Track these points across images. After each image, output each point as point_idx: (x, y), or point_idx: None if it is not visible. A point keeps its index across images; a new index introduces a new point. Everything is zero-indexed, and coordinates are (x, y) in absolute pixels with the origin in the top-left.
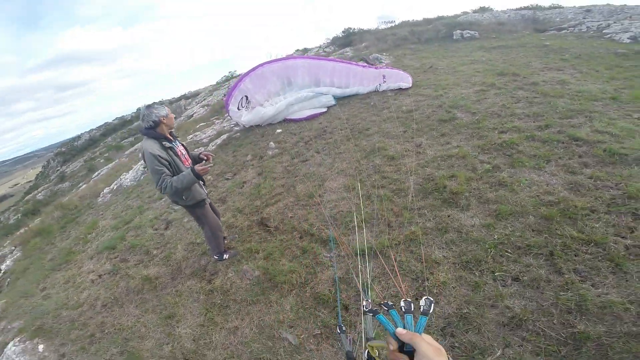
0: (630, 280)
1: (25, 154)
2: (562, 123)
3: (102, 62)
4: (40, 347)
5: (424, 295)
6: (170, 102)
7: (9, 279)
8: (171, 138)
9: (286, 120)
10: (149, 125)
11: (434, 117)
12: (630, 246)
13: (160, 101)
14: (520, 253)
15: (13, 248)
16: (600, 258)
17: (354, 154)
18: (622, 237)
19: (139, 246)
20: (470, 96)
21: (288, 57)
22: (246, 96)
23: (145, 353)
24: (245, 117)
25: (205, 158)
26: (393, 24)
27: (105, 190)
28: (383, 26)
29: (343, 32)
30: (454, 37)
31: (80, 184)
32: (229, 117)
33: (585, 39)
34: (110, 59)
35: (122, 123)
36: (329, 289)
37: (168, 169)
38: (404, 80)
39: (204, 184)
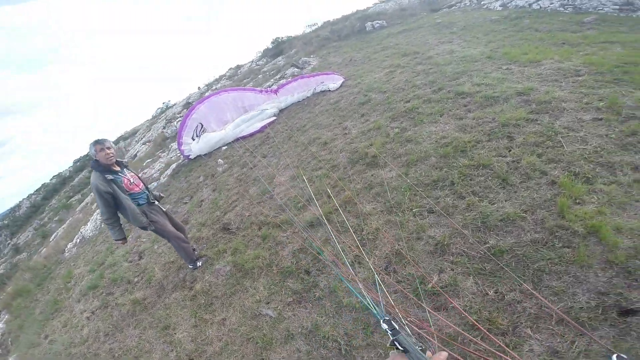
0: (517, 191)
1: None
2: (450, 84)
3: (19, 115)
4: None
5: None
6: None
7: (9, 339)
8: (116, 169)
9: (238, 140)
10: (93, 159)
11: (355, 102)
12: (510, 162)
13: (99, 139)
14: (430, 189)
15: None
16: (489, 177)
17: (294, 150)
18: (503, 156)
19: (120, 279)
20: (382, 78)
21: (244, 89)
22: (201, 123)
23: None
24: (195, 146)
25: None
26: (316, 26)
27: (69, 246)
28: (308, 30)
29: (272, 42)
30: (367, 29)
31: (40, 249)
32: (179, 152)
33: (469, 12)
34: (25, 110)
35: (62, 181)
36: (291, 262)
37: (109, 201)
38: (335, 81)
39: (155, 202)
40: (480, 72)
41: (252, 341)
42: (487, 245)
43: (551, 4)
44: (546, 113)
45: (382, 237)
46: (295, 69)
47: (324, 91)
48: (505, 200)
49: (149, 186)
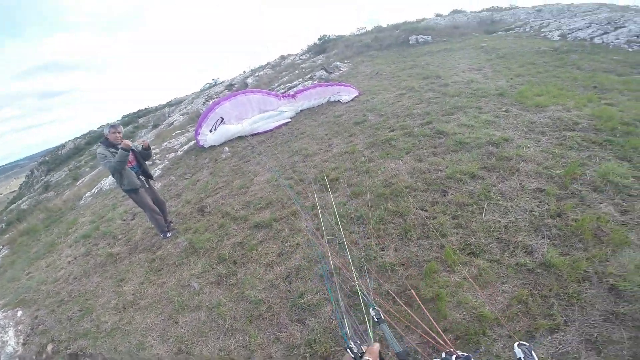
0: (409, 245)
1: (7, 164)
2: (440, 119)
3: (86, 70)
4: (19, 313)
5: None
6: (156, 109)
7: None
8: (119, 147)
9: (252, 135)
10: (103, 137)
11: (353, 120)
12: (424, 217)
13: (114, 124)
14: (351, 222)
15: (0, 247)
16: (398, 226)
17: (283, 154)
18: (423, 210)
19: (109, 233)
20: (389, 100)
21: (268, 93)
22: (222, 117)
23: (97, 307)
24: (211, 137)
25: (143, 145)
26: (364, 30)
27: (87, 194)
28: (356, 32)
29: (319, 39)
30: (410, 42)
31: (65, 192)
32: (196, 141)
33: (523, 38)
34: (93, 66)
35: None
36: (229, 251)
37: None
38: (350, 94)
39: (145, 177)
40: (476, 110)
41: (172, 303)
42: (352, 284)
43: (616, 39)
44: (497, 172)
45: (300, 251)
46: (324, 73)
47: (336, 101)
48: (395, 250)
49: (145, 163)
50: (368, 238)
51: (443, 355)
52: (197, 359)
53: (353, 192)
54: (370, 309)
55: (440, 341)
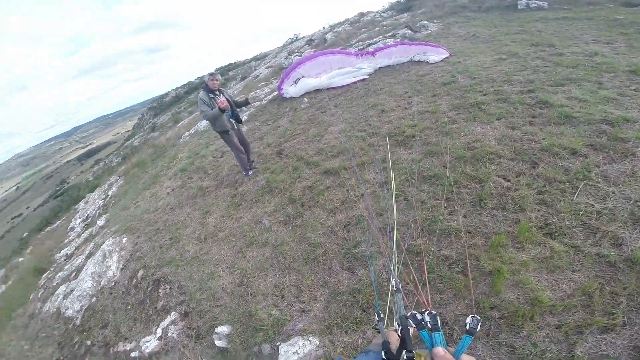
0: (480, 214)
1: (125, 108)
2: (546, 89)
3: (182, 28)
4: (124, 239)
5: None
6: (244, 63)
7: (113, 201)
8: (216, 92)
9: (329, 89)
10: (204, 83)
11: (439, 80)
12: (506, 187)
13: (213, 70)
14: (423, 181)
15: (117, 178)
16: (473, 192)
17: (358, 108)
18: (505, 179)
19: (201, 168)
20: (485, 63)
21: (348, 53)
22: (303, 75)
23: (184, 237)
24: (292, 90)
25: (248, 99)
26: None
27: (185, 134)
28: None
29: None
30: (519, 7)
31: (168, 132)
32: (278, 93)
33: None
34: (190, 24)
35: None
36: (299, 193)
37: (207, 107)
38: (439, 54)
39: (235, 121)
40: (595, 85)
41: (245, 237)
42: (414, 243)
43: None
44: (605, 152)
45: (357, 204)
46: (408, 31)
47: (421, 61)
48: (464, 217)
49: (237, 110)
50: (437, 199)
51: (422, 310)
52: (254, 291)
53: (430, 150)
54: (392, 279)
55: (424, 300)
